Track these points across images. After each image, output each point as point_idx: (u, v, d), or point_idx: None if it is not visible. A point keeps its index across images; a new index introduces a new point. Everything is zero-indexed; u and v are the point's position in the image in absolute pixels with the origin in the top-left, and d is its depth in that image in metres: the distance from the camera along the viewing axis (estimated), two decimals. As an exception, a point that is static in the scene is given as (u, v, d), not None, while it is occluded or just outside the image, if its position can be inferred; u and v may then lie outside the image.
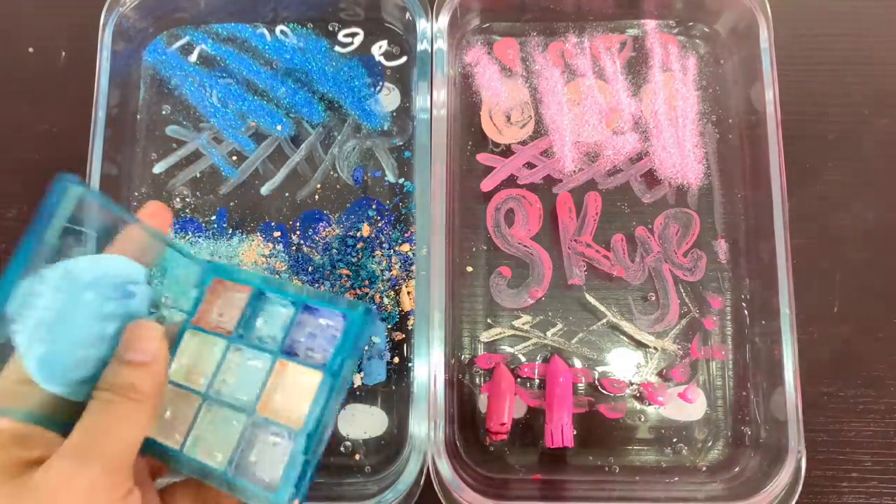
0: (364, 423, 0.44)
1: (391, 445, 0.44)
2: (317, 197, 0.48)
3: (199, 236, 0.47)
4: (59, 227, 0.26)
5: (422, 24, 0.47)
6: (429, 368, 0.41)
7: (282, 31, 0.50)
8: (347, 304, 0.30)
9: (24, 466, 0.26)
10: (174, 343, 0.32)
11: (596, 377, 0.45)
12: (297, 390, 0.29)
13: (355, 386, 0.45)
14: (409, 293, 0.45)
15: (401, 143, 0.48)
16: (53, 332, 0.26)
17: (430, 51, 0.46)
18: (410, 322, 0.45)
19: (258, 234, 0.47)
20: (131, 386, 0.27)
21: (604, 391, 0.45)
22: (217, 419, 0.30)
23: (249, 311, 0.31)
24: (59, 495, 0.25)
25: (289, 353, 0.30)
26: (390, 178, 0.48)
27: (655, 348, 0.45)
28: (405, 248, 0.46)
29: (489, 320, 0.46)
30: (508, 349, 0.46)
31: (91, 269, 0.27)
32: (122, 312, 0.28)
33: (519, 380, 0.45)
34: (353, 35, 0.50)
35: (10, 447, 0.26)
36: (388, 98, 0.49)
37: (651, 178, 0.48)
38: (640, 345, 0.46)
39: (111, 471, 0.26)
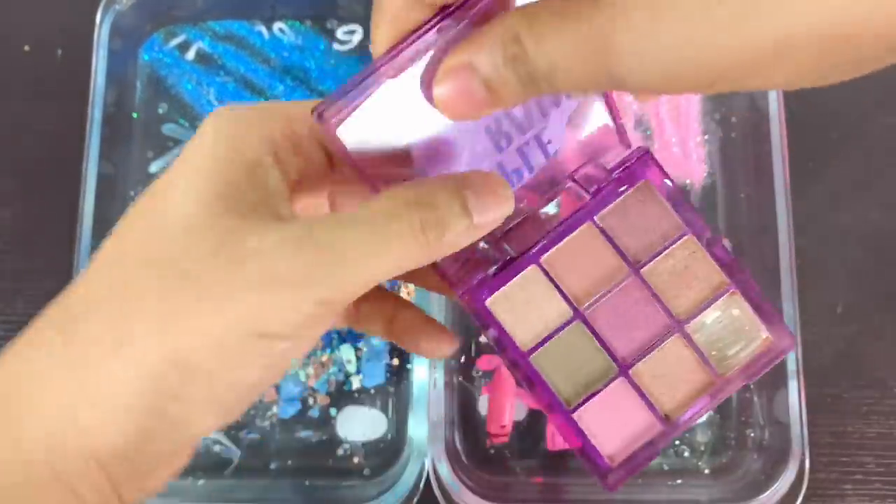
0: (362, 425, 0.44)
1: (390, 448, 0.44)
2: (315, 196, 0.47)
3: (196, 236, 0.47)
4: None
5: (421, 22, 0.46)
6: (428, 370, 0.41)
7: (280, 29, 0.50)
8: None
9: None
10: None
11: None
12: None
13: (353, 388, 0.44)
14: (408, 294, 0.45)
15: (400, 142, 0.48)
16: None
17: (429, 48, 0.46)
18: (410, 323, 0.45)
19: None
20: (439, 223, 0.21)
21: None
22: None
23: None
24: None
25: None
26: (389, 177, 0.47)
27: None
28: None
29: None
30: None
31: None
32: None
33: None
34: (351, 32, 0.50)
35: None
36: (388, 96, 0.49)
37: (653, 177, 0.47)
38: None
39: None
